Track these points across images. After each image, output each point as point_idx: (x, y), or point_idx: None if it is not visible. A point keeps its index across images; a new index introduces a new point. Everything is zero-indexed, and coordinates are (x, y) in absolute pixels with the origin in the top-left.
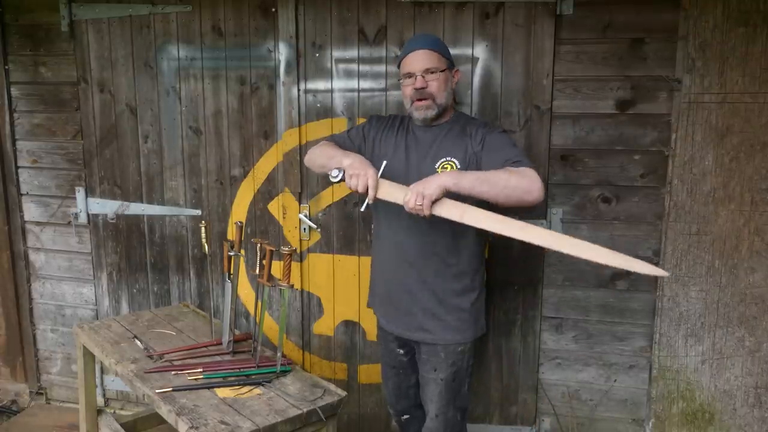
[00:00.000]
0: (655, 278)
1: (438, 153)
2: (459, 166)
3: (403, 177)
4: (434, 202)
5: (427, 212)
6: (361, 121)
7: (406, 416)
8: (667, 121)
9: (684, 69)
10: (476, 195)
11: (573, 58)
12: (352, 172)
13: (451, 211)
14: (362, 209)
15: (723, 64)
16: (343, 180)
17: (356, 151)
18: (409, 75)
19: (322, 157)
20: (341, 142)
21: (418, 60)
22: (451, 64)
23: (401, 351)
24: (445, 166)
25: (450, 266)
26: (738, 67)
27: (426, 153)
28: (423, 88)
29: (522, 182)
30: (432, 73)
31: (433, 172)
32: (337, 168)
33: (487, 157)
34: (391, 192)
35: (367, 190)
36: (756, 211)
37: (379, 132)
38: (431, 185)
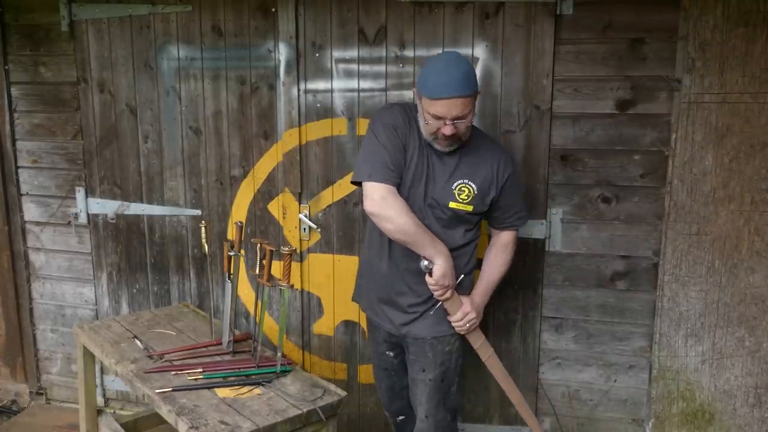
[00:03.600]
0: (655, 278)
1: (455, 174)
2: (476, 191)
3: (422, 191)
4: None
5: (465, 332)
6: (362, 121)
7: (401, 417)
8: (667, 121)
9: (684, 69)
10: None
11: (573, 58)
12: (444, 283)
13: (479, 344)
14: (432, 312)
15: (723, 64)
16: (429, 270)
17: (401, 172)
18: (438, 117)
19: (407, 231)
20: (389, 177)
21: (453, 108)
22: (477, 91)
23: (391, 353)
24: (462, 189)
25: None
26: (738, 67)
27: (442, 172)
28: (453, 134)
29: (509, 264)
30: (462, 119)
31: (450, 192)
32: (427, 260)
33: (503, 201)
34: (454, 304)
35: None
36: (756, 211)
37: (406, 138)
38: (480, 316)
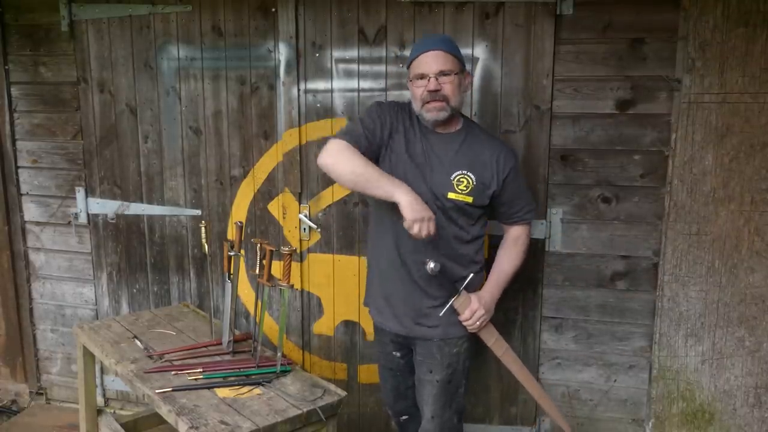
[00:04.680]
0: (655, 278)
1: (453, 165)
2: (475, 182)
3: (419, 184)
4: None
5: (477, 330)
6: None
7: (404, 417)
8: (667, 121)
9: (684, 69)
10: None
11: (573, 58)
12: (417, 217)
13: (493, 341)
14: (433, 267)
15: (723, 64)
16: (435, 273)
17: (374, 144)
18: (422, 76)
19: (357, 171)
20: (358, 139)
21: (433, 61)
22: (463, 66)
23: (398, 354)
24: (461, 179)
25: (447, 271)
26: (738, 67)
27: (441, 162)
28: (437, 91)
29: (521, 258)
30: (446, 75)
31: (449, 182)
32: (433, 263)
33: (508, 195)
34: (464, 304)
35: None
36: (756, 211)
37: (394, 123)
38: (490, 312)
